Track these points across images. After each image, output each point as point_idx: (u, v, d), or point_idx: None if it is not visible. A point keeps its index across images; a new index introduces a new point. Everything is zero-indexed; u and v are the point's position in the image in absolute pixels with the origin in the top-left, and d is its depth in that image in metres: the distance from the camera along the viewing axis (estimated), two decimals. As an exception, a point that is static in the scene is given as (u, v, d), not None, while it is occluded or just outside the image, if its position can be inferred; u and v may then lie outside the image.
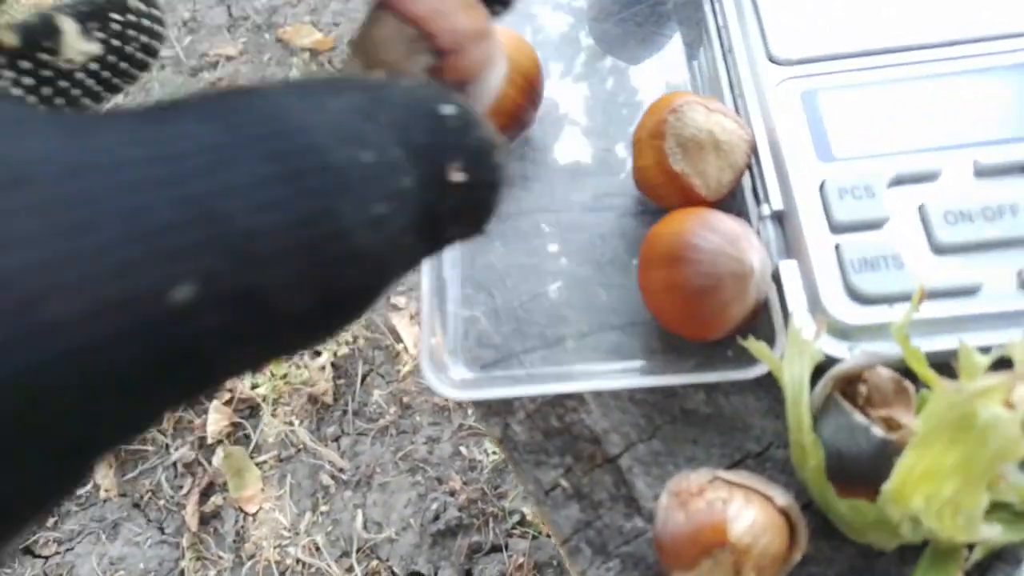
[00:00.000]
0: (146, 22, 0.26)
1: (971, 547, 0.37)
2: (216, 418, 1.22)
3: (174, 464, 1.22)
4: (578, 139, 0.51)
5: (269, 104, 0.13)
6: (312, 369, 1.21)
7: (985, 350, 0.36)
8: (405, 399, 1.21)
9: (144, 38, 0.26)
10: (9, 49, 0.24)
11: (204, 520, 1.19)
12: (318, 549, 1.14)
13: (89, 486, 1.21)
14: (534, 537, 1.13)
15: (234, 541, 1.16)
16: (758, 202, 0.44)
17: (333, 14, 1.51)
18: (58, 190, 0.10)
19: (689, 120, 0.42)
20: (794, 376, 0.37)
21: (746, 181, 0.45)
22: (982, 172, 0.42)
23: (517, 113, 0.46)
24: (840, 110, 0.44)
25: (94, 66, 0.25)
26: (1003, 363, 0.35)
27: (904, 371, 0.37)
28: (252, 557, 1.15)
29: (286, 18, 1.49)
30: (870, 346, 0.39)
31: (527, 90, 0.46)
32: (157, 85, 1.39)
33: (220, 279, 0.11)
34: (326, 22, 1.48)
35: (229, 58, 1.47)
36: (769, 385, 0.43)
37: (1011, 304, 0.39)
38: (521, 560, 1.11)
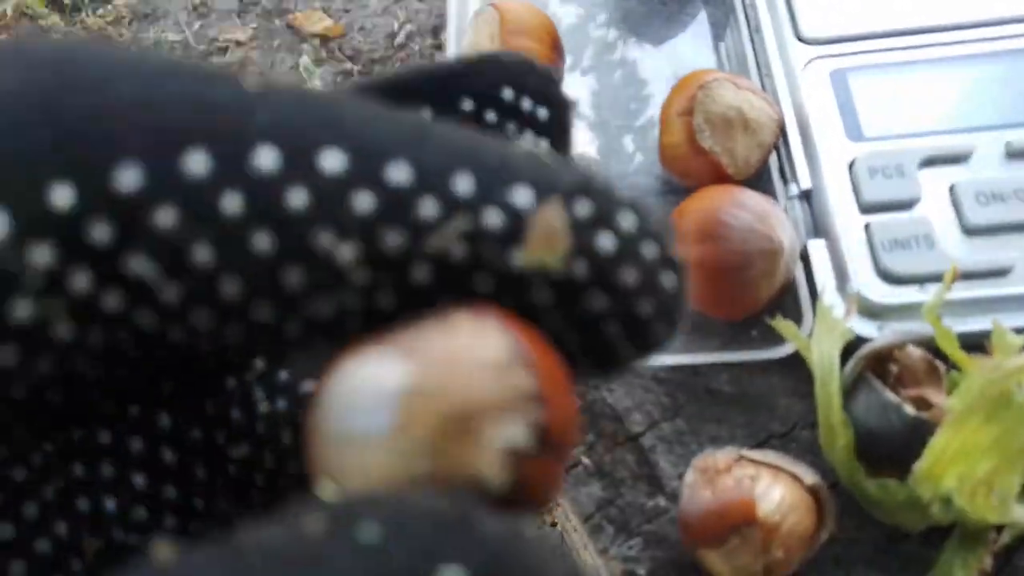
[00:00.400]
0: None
1: (999, 530, 0.36)
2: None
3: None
4: (584, 133, 0.50)
5: None
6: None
7: (1018, 331, 0.36)
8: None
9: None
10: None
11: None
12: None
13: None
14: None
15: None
16: (785, 182, 0.44)
17: (344, 0, 1.50)
18: None
19: (718, 97, 0.42)
20: (824, 355, 0.37)
21: (773, 161, 0.44)
22: (1014, 154, 0.41)
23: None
24: (870, 90, 0.44)
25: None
26: (1037, 343, 0.34)
27: (934, 352, 0.36)
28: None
29: (296, 4, 1.49)
30: (900, 326, 0.39)
31: (554, 45, 0.46)
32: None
33: None
34: (337, 8, 1.47)
35: (239, 43, 1.46)
36: (794, 366, 0.42)
37: (1043, 286, 0.38)
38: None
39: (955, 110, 0.43)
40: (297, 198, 0.10)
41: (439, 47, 1.41)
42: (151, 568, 0.09)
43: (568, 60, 0.52)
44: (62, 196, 0.09)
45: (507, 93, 0.15)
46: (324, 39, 1.45)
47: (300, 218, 0.10)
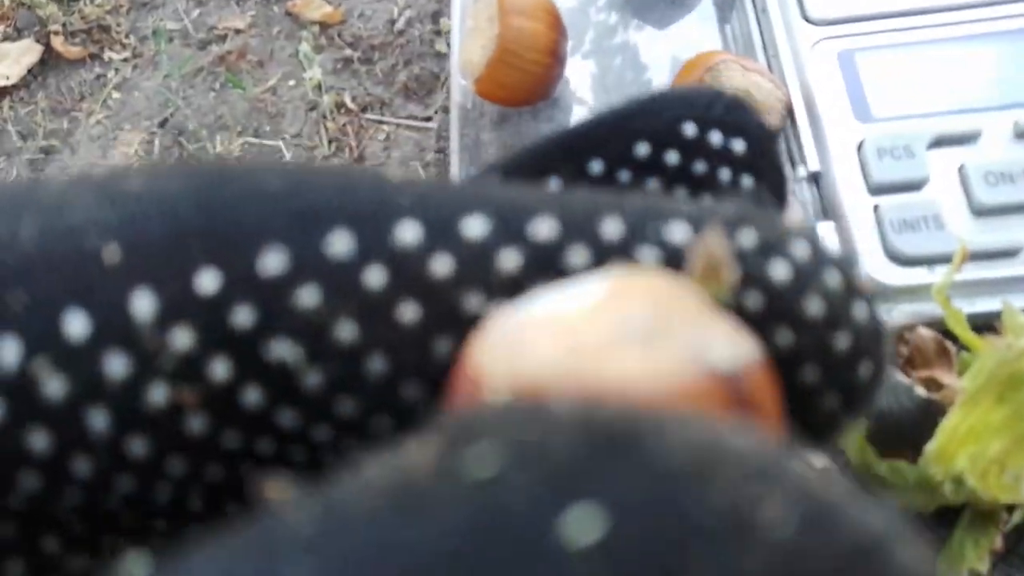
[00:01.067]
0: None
1: (1011, 510, 0.36)
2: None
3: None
4: (620, 63, 0.50)
5: None
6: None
7: (1029, 312, 0.36)
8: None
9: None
10: None
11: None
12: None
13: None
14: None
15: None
16: (793, 164, 0.43)
17: (342, -13, 1.49)
18: None
19: (725, 79, 0.42)
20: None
21: (781, 143, 0.44)
22: (1023, 134, 0.41)
23: (554, 49, 0.46)
24: (878, 70, 0.43)
25: None
26: (1048, 323, 0.34)
27: (944, 333, 0.36)
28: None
29: (295, -9, 1.48)
30: (910, 307, 0.39)
31: (555, 24, 0.46)
32: (165, 58, 1.38)
33: None
34: (336, -5, 1.47)
35: (238, 31, 1.45)
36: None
37: (1053, 266, 0.38)
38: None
39: (964, 90, 0.42)
40: (441, 265, 0.10)
41: (439, 33, 1.40)
42: (247, 525, 0.07)
43: (570, 44, 0.51)
44: (208, 280, 0.09)
45: (689, 128, 0.13)
46: (323, 26, 1.44)
47: (446, 285, 0.10)
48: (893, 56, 0.44)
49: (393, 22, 1.42)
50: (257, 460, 0.10)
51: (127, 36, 1.45)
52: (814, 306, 0.10)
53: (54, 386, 0.09)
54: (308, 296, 0.09)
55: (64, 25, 1.46)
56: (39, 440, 0.09)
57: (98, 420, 0.09)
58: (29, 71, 1.42)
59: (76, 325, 0.09)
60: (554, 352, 0.09)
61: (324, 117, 1.34)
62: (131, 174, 0.10)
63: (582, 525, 0.06)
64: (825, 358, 0.10)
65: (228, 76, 1.36)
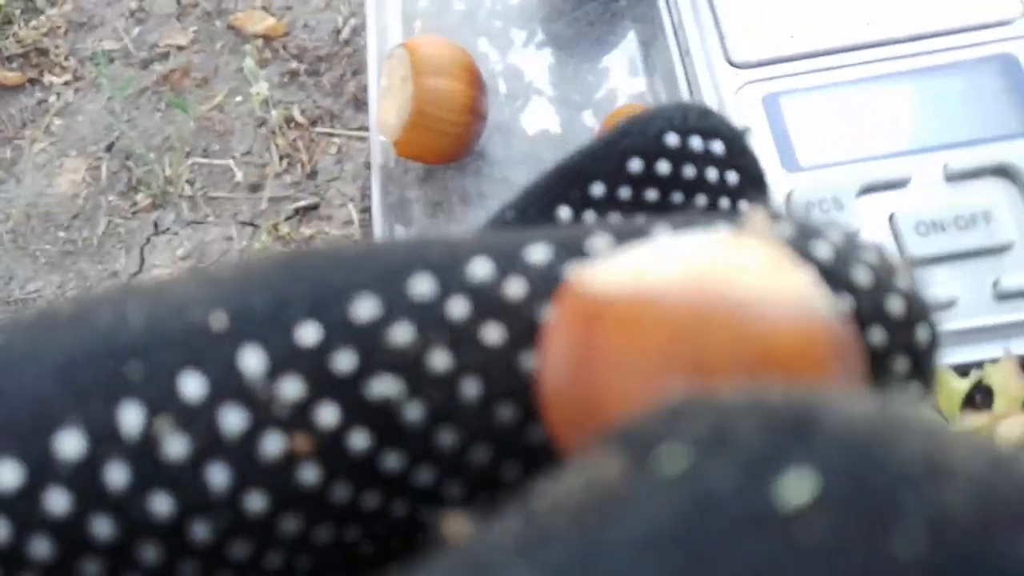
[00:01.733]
0: None
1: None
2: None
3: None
4: (545, 107, 0.49)
5: None
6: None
7: (964, 370, 0.35)
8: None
9: None
10: None
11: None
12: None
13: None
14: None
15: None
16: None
17: (285, -4, 1.46)
18: None
19: (646, 136, 0.40)
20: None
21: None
22: (953, 176, 0.40)
23: (473, 106, 0.44)
24: (804, 115, 0.42)
25: None
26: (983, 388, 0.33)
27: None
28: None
29: (237, 3, 1.45)
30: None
31: (473, 80, 0.44)
32: (107, 80, 1.35)
33: None
34: (278, 6, 1.44)
35: (180, 48, 1.42)
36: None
37: (988, 318, 0.37)
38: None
39: (891, 132, 0.41)
40: (515, 288, 0.11)
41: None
42: (449, 548, 0.08)
43: (492, 89, 0.50)
44: (308, 332, 0.10)
45: (672, 139, 0.15)
46: (267, 39, 1.41)
47: (521, 304, 0.11)
48: (818, 99, 0.42)
49: (338, 32, 1.39)
50: (363, 517, 0.11)
51: (66, 58, 1.41)
52: (862, 274, 0.11)
53: (175, 446, 0.10)
54: (401, 333, 0.10)
55: (-1, 50, 1.42)
56: (161, 504, 0.10)
57: (219, 476, 0.10)
58: (-34, 101, 1.38)
59: (192, 386, 0.10)
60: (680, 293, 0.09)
61: (273, 133, 1.31)
62: (221, 265, 0.11)
63: (795, 487, 0.07)
64: (885, 320, 0.11)
65: (170, 98, 1.33)
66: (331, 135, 1.31)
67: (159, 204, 1.28)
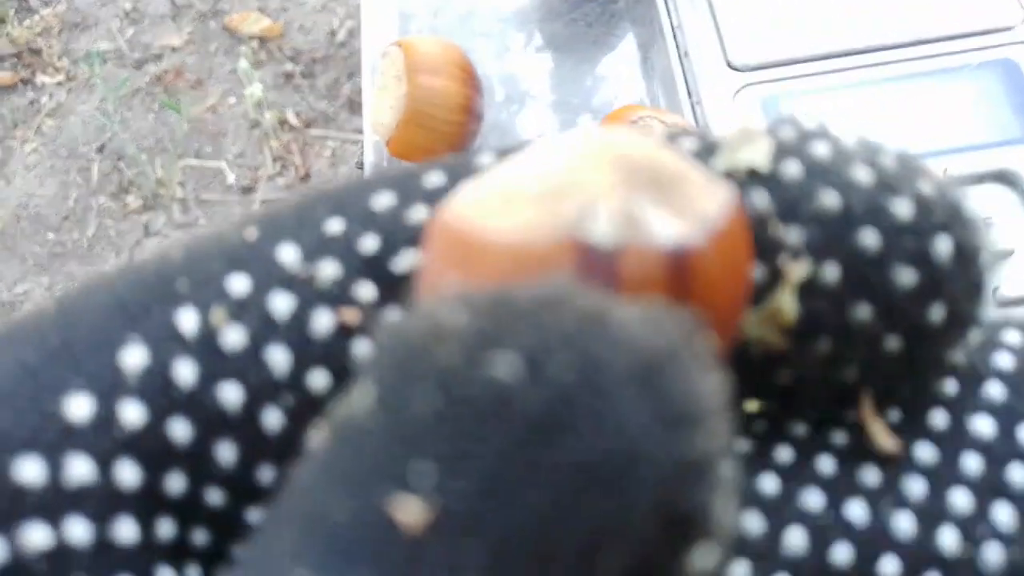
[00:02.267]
0: None
1: None
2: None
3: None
4: (541, 108, 0.48)
5: None
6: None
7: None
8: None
9: None
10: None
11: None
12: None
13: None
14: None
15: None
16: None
17: (281, -2, 1.46)
18: None
19: (644, 137, 0.40)
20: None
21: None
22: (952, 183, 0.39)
23: (467, 105, 0.44)
24: (804, 119, 0.42)
25: None
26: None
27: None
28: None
29: (232, 5, 1.44)
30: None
31: (468, 79, 0.43)
32: (100, 81, 1.34)
33: None
34: (274, 8, 1.43)
35: (174, 49, 1.42)
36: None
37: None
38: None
39: (890, 138, 0.41)
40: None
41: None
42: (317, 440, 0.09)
43: (488, 89, 0.50)
44: (335, 224, 0.12)
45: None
46: (262, 40, 1.41)
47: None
48: (817, 102, 0.42)
49: (334, 34, 1.39)
50: None
51: (60, 59, 1.41)
52: (862, 174, 0.11)
53: (233, 334, 0.11)
54: (416, 214, 0.12)
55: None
56: (231, 392, 0.11)
57: (279, 357, 0.11)
58: (-42, 100, 1.37)
59: (238, 283, 0.11)
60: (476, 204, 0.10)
61: (267, 135, 1.30)
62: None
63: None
64: (882, 223, 0.11)
65: (163, 99, 1.32)
66: (325, 138, 1.31)
67: (150, 206, 1.27)
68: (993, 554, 0.11)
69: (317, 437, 0.09)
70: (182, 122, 1.31)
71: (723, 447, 0.08)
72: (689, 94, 0.45)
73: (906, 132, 0.41)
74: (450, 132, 0.43)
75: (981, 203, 0.38)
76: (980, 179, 0.39)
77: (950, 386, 0.12)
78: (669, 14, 0.48)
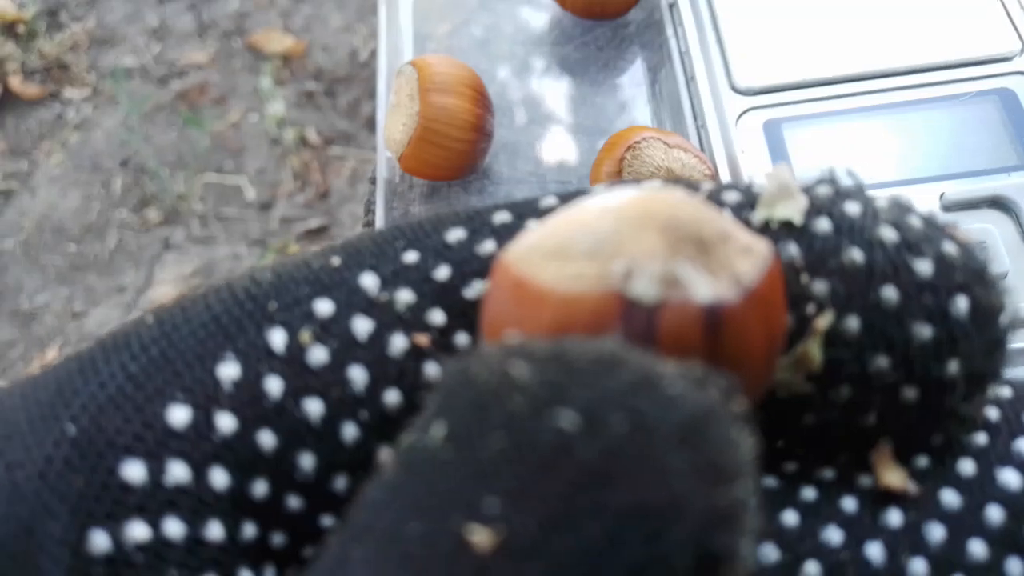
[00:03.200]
0: None
1: None
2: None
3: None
4: (552, 129, 0.49)
5: None
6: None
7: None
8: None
9: None
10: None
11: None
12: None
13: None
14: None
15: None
16: (721, 239, 0.42)
17: (305, 18, 1.48)
18: None
19: (647, 158, 0.41)
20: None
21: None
22: (949, 206, 0.40)
23: (478, 124, 0.45)
24: (805, 142, 0.43)
25: None
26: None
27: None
28: None
29: (257, 23, 1.47)
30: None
31: (479, 99, 0.45)
32: (125, 96, 1.36)
33: None
34: (297, 27, 1.46)
35: (199, 66, 1.44)
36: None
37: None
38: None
39: (890, 162, 0.42)
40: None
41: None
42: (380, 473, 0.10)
43: (499, 109, 0.51)
44: (412, 255, 0.13)
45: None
46: (285, 59, 1.43)
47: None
48: (819, 126, 0.43)
49: (356, 54, 1.41)
50: None
51: (87, 73, 1.43)
52: (888, 233, 0.12)
53: (318, 353, 0.12)
54: (486, 247, 0.13)
55: (22, 64, 1.44)
56: (313, 406, 0.12)
57: (358, 374, 0.12)
58: (-14, 112, 1.40)
59: (324, 306, 0.12)
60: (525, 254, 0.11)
61: (287, 152, 1.32)
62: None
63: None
64: (903, 281, 0.12)
65: (186, 115, 1.34)
66: (345, 156, 1.33)
67: (170, 220, 1.29)
68: None
69: (386, 459, 0.10)
70: (204, 138, 1.34)
71: (751, 496, 0.09)
72: (694, 116, 0.46)
73: (906, 157, 0.42)
74: (460, 149, 0.45)
75: (976, 228, 0.39)
76: (976, 204, 0.40)
77: (981, 438, 0.13)
78: (677, 39, 0.49)
